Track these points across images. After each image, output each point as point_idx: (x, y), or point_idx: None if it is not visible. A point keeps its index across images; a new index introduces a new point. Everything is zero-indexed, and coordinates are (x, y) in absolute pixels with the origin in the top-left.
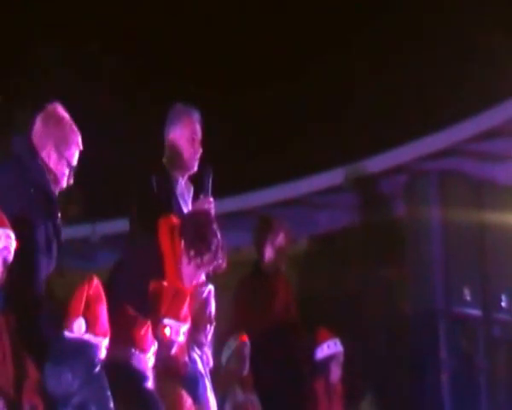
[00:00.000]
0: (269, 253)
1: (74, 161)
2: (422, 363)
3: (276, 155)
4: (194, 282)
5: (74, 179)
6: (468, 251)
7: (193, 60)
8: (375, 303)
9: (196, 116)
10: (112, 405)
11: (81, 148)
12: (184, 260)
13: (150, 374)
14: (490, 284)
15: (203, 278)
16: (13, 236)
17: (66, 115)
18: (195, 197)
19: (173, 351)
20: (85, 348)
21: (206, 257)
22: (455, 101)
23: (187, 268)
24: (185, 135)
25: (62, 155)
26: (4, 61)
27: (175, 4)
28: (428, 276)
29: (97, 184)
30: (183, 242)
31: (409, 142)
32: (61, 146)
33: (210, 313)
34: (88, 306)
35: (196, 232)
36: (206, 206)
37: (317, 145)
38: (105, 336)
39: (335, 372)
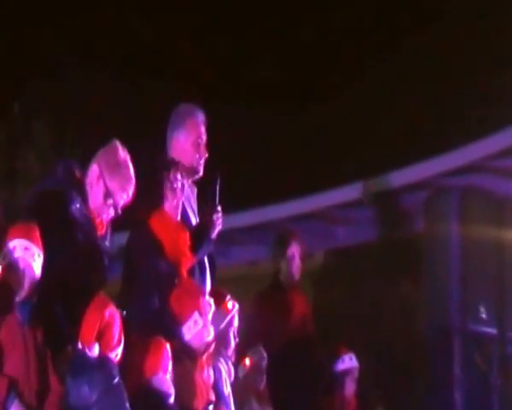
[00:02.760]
0: (286, 267)
1: (115, 194)
2: (436, 380)
3: (295, 168)
4: (179, 208)
5: None
6: (486, 269)
7: (215, 72)
8: (390, 319)
9: (201, 118)
10: None
11: (129, 194)
12: (170, 195)
13: (172, 391)
14: (506, 302)
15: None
16: (36, 249)
17: (122, 154)
18: (202, 204)
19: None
20: (103, 364)
21: (174, 176)
22: (477, 117)
23: (171, 203)
24: (190, 139)
25: (102, 174)
26: (21, 72)
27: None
28: (445, 293)
29: None
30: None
31: (430, 157)
32: (104, 170)
33: (235, 329)
34: (103, 333)
35: (153, 171)
36: (214, 216)
37: (337, 159)
38: (116, 347)
39: (350, 387)
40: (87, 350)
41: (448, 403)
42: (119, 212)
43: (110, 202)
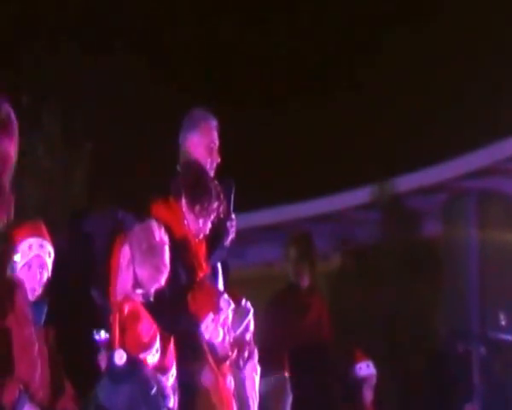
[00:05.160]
0: (301, 269)
1: (145, 284)
2: (455, 387)
3: (312, 169)
4: (202, 234)
5: (104, 188)
6: (506, 275)
7: (233, 74)
8: (408, 322)
9: (214, 123)
10: None
11: (161, 282)
12: (190, 217)
13: (170, 392)
14: None
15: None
16: (49, 247)
17: (158, 237)
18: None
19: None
20: (137, 368)
21: (212, 206)
22: (495, 120)
23: (195, 223)
24: (203, 143)
25: (132, 260)
26: (29, 64)
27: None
28: (463, 299)
29: (127, 191)
30: (184, 200)
31: (448, 160)
32: (136, 255)
33: (251, 333)
34: (123, 331)
35: (195, 186)
36: (228, 223)
37: (354, 161)
38: (149, 347)
39: (367, 395)
40: (114, 358)
41: None
42: (151, 299)
43: (139, 292)
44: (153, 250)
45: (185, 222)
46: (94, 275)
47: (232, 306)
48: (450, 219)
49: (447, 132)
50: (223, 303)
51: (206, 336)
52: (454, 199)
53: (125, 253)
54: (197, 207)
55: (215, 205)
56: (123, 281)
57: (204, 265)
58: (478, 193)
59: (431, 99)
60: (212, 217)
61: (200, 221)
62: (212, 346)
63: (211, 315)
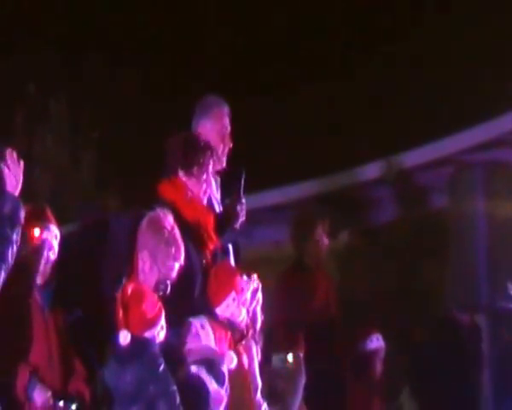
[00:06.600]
0: (309, 248)
1: (170, 273)
2: (464, 358)
3: (318, 147)
4: (208, 193)
5: (113, 175)
6: None
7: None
8: (416, 298)
9: (226, 109)
10: (178, 400)
11: (181, 262)
12: (192, 183)
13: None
14: None
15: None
16: (55, 229)
17: (169, 226)
18: (226, 196)
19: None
20: (143, 347)
21: (206, 158)
22: (501, 91)
23: (198, 187)
24: (216, 129)
25: (155, 263)
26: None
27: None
28: (472, 270)
29: (136, 179)
30: (181, 172)
31: (454, 133)
32: (157, 256)
33: (259, 309)
34: (127, 310)
35: (183, 151)
36: (238, 207)
37: (360, 137)
38: (153, 324)
39: (376, 367)
40: (119, 338)
41: (476, 381)
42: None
43: (162, 287)
44: (164, 238)
45: (189, 194)
46: (113, 270)
47: (252, 287)
48: (458, 192)
49: (452, 105)
50: (243, 283)
51: (227, 314)
52: (461, 172)
53: (145, 259)
54: (195, 169)
55: (208, 154)
56: (139, 272)
57: (214, 237)
58: (485, 165)
59: (436, 73)
60: (211, 168)
61: (203, 181)
62: (231, 325)
63: (233, 294)
